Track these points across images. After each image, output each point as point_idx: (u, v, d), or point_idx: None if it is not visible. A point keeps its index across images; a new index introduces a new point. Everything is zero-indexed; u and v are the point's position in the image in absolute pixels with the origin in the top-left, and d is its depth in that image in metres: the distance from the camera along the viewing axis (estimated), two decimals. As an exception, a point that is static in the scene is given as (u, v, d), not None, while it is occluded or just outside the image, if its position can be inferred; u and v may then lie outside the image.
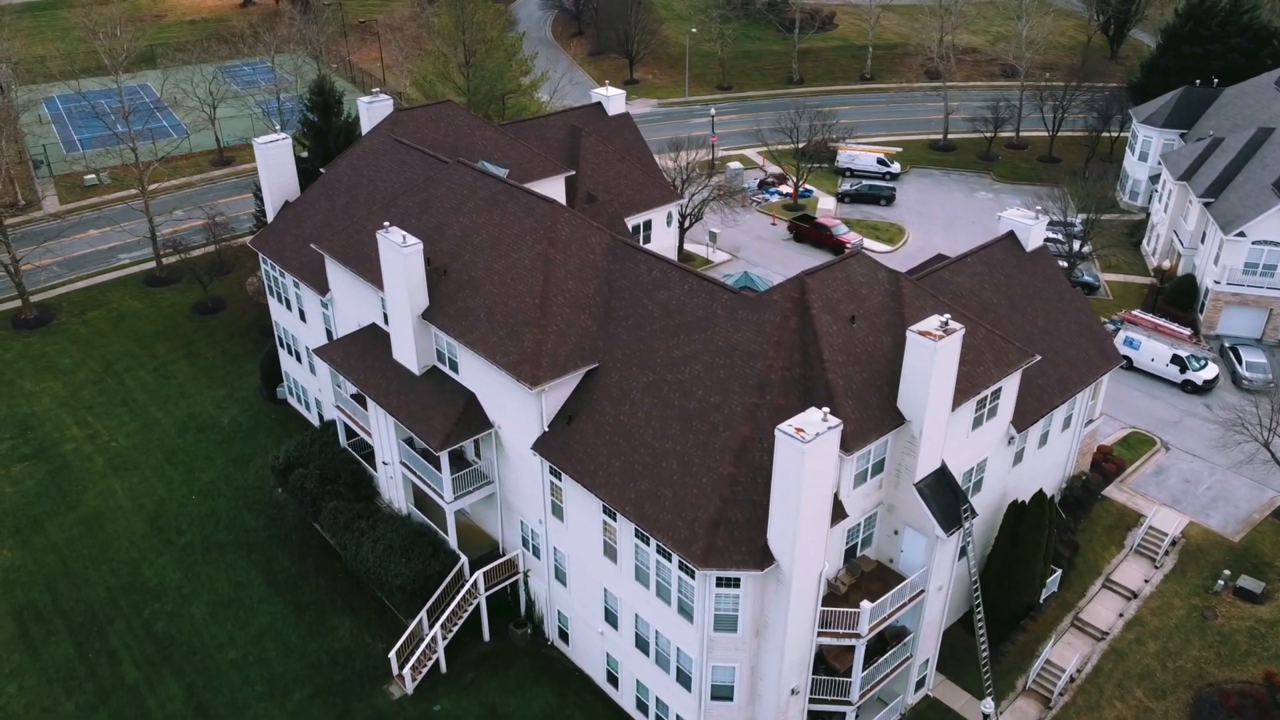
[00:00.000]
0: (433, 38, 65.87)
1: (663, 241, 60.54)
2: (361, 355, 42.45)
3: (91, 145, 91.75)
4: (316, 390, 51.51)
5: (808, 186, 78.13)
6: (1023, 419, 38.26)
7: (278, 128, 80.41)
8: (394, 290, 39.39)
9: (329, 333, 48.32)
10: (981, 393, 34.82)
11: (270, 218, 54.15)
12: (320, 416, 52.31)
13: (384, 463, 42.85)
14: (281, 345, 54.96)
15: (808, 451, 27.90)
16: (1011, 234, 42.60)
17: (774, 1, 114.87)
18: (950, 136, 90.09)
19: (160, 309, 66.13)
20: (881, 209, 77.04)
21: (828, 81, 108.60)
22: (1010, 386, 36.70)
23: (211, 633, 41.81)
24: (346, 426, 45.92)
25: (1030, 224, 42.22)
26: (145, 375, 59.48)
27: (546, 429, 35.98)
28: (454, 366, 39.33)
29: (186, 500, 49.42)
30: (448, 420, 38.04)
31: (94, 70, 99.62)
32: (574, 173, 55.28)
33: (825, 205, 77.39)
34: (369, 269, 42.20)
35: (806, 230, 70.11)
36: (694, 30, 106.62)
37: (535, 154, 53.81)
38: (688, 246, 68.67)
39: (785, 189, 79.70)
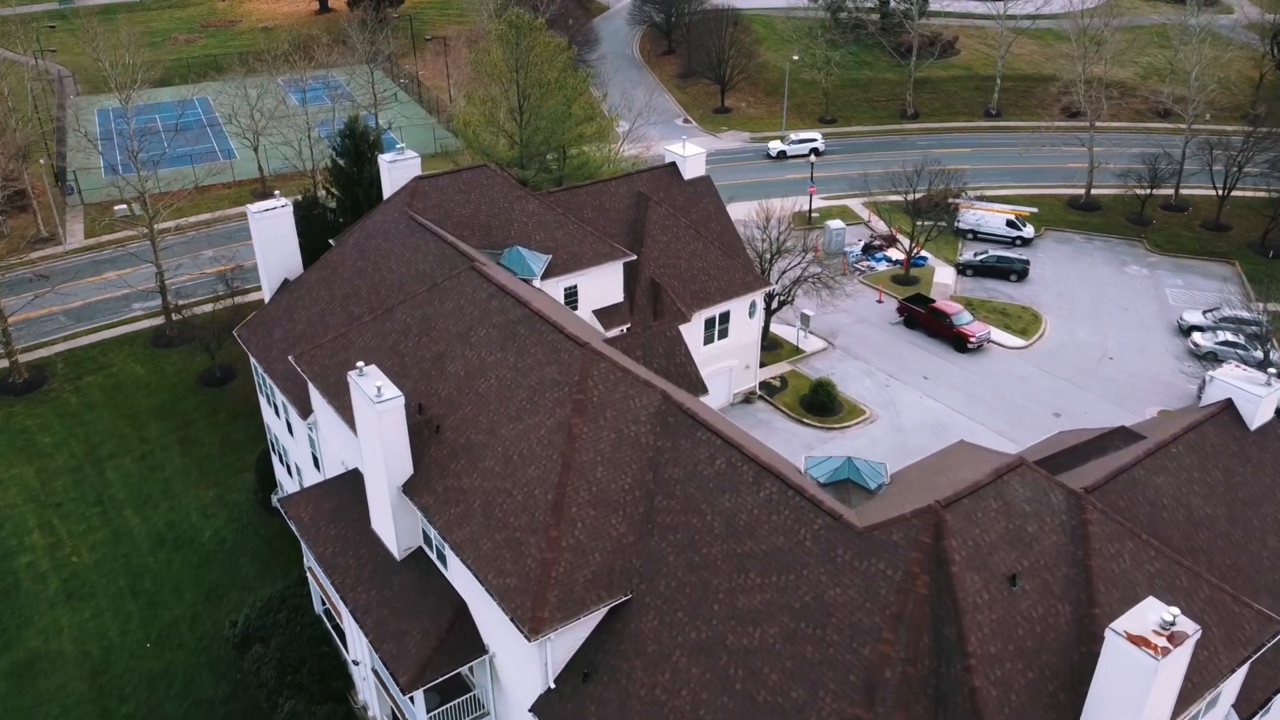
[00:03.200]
0: (481, 76, 56.09)
1: (742, 336, 49.45)
2: (334, 516, 32.49)
3: (128, 169, 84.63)
4: (306, 516, 41.90)
5: (922, 254, 65.84)
6: (1249, 699, 26.10)
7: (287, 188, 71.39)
8: (369, 450, 29.31)
9: (315, 459, 38.67)
10: (1207, 695, 22.90)
11: (266, 297, 44.85)
12: (312, 544, 42.75)
13: (354, 661, 32.86)
14: (273, 450, 45.70)
15: None
16: (1229, 405, 30.27)
17: (888, 25, 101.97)
18: (1094, 192, 76.48)
19: (163, 377, 57.76)
20: (1011, 285, 64.27)
21: (946, 116, 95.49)
22: (1242, 668, 24.62)
23: None
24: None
25: (1259, 394, 29.83)
26: (130, 464, 50.96)
27: (552, 685, 25.35)
28: (443, 558, 29.06)
29: (140, 649, 40.37)
30: (426, 641, 27.71)
31: (159, 81, 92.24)
32: (635, 257, 44.60)
33: (942, 279, 64.96)
34: (350, 404, 32.22)
35: (920, 316, 58.00)
36: (795, 57, 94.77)
37: (587, 234, 43.29)
38: (775, 328, 57.35)
39: (895, 254, 67.53)
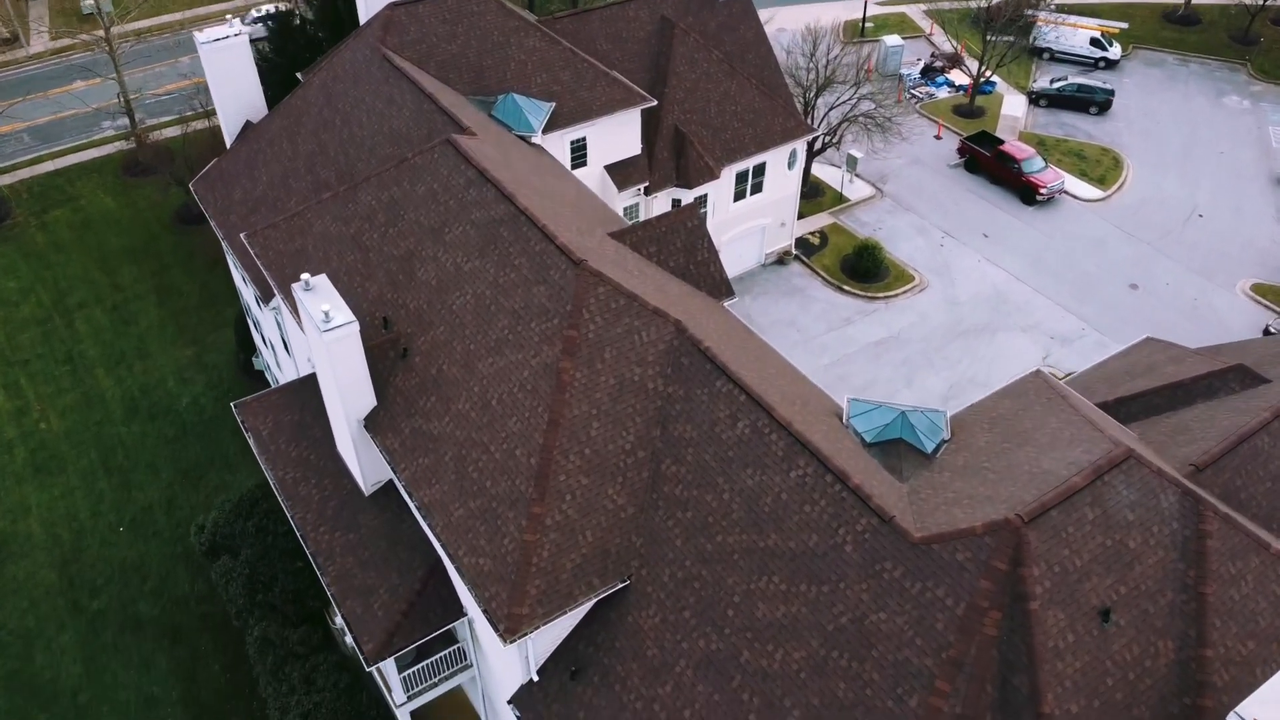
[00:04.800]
0: None
1: (779, 190, 43.05)
2: (297, 432, 28.13)
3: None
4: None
5: (991, 78, 57.33)
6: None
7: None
8: (323, 378, 24.55)
9: (285, 343, 34.06)
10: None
11: (228, 140, 38.76)
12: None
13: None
14: (247, 315, 41.09)
15: None
16: (1381, 343, 24.47)
17: None
18: (1196, 0, 66.03)
19: (135, 212, 52.45)
20: (1091, 120, 56.13)
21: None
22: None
23: (98, 786, 30.73)
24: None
25: None
26: (101, 316, 46.69)
27: (535, 678, 21.63)
28: (415, 502, 24.84)
29: (112, 535, 37.53)
30: (395, 604, 23.97)
31: None
32: (655, 102, 37.64)
33: (1012, 111, 56.79)
34: (308, 305, 27.12)
35: (984, 159, 50.64)
36: None
37: (599, 75, 36.29)
38: (817, 170, 50.45)
39: (959, 77, 59.01)
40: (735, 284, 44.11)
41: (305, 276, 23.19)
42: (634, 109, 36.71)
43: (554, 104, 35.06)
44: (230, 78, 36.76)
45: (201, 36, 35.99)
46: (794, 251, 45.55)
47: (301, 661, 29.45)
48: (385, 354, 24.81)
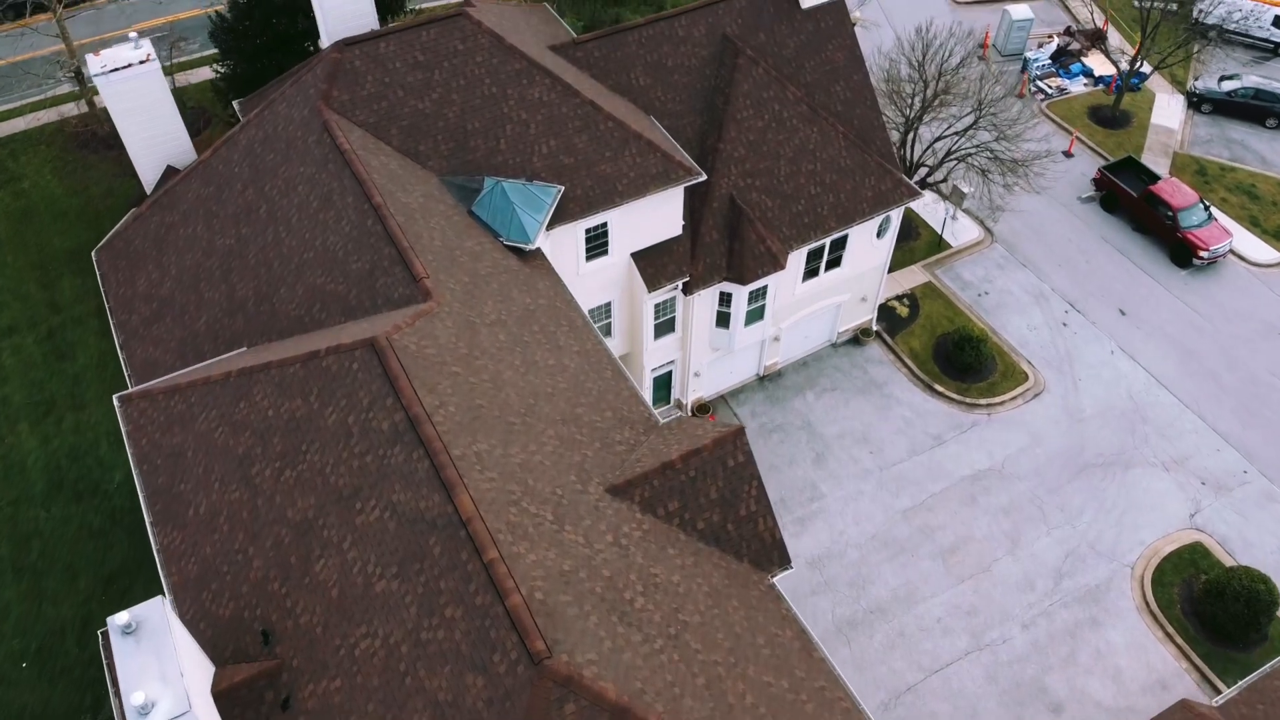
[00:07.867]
0: None
1: (863, 263, 33.21)
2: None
3: None
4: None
5: (1143, 68, 45.30)
6: None
7: None
8: None
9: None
10: None
11: (147, 188, 29.89)
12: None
13: None
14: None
15: None
16: None
17: None
18: None
19: (85, 201, 43.92)
20: (1268, 136, 44.16)
21: None
22: None
23: None
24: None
25: None
26: (32, 346, 39.05)
27: None
28: None
29: (13, 671, 30.85)
30: None
31: None
32: (705, 176, 27.69)
33: (1164, 120, 44.86)
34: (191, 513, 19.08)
35: (1126, 196, 39.56)
36: None
37: (627, 137, 26.43)
38: (916, 205, 39.86)
39: (1099, 66, 46.94)
40: (796, 371, 34.98)
41: (124, 617, 14.96)
42: (675, 189, 26.89)
43: (562, 188, 25.46)
44: (141, 116, 27.58)
45: (97, 62, 26.66)
46: (875, 329, 35.90)
47: None
48: (260, 695, 16.75)
